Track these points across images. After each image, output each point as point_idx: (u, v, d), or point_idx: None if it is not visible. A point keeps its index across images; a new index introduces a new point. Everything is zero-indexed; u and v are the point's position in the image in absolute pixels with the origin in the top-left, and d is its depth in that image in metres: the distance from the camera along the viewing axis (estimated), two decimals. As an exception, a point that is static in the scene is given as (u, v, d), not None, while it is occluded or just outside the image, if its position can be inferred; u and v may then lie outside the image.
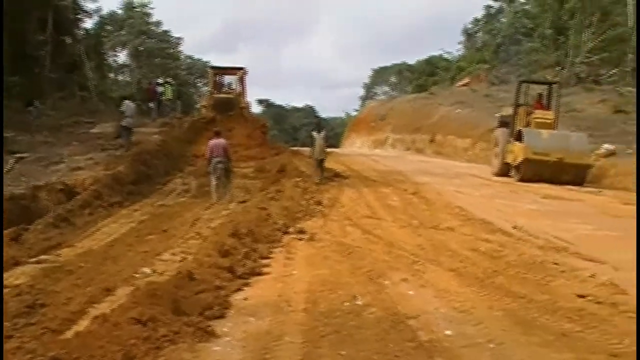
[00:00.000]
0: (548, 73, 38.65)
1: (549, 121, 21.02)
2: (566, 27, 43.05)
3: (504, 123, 22.84)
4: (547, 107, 22.15)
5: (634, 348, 4.93)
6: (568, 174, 19.28)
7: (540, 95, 22.83)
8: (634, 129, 26.60)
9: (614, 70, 37.56)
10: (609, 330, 5.33)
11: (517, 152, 20.13)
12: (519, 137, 20.41)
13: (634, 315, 5.77)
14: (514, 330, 5.33)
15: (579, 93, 33.07)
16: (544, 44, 46.07)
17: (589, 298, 6.32)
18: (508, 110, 23.08)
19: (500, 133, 22.38)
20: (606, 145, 22.21)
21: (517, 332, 5.28)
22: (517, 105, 21.98)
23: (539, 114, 21.25)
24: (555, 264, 7.88)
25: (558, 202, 15.25)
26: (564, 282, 6.97)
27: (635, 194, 18.25)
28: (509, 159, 20.93)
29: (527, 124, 21.10)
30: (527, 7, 53.39)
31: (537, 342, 5.04)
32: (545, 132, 20.19)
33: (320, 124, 21.55)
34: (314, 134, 18.33)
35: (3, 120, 19.63)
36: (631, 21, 35.38)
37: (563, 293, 6.53)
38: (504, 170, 21.34)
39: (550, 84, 24.62)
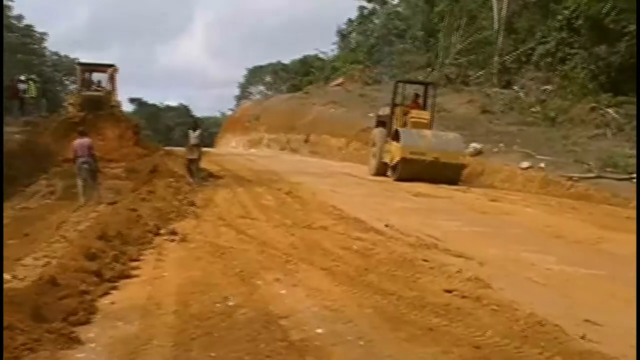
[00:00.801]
0: (419, 74, 39.69)
1: (425, 121, 21.54)
2: (436, 30, 44.43)
3: (381, 123, 23.18)
4: (423, 107, 22.70)
5: (497, 339, 5.10)
6: (444, 173, 19.75)
7: (416, 95, 23.27)
8: (500, 128, 27.73)
9: (480, 72, 38.93)
10: (472, 324, 5.49)
11: (394, 152, 20.45)
12: (395, 136, 20.69)
13: (497, 308, 5.98)
14: (383, 327, 5.40)
15: (449, 93, 34.08)
16: (415, 46, 47.36)
17: (455, 293, 6.50)
18: (385, 110, 23.32)
19: (378, 133, 22.69)
20: (474, 144, 23.03)
21: (386, 329, 5.36)
22: (394, 105, 22.31)
23: (415, 113, 21.72)
24: (425, 260, 8.07)
25: (428, 199, 15.67)
26: (432, 278, 7.14)
27: (502, 191, 19.02)
28: (387, 159, 21.27)
29: (404, 124, 21.50)
30: (399, 9, 54.71)
31: (405, 337, 5.13)
32: (421, 132, 20.62)
33: (196, 122, 21.29)
34: (190, 132, 18.12)
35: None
36: (496, 25, 36.80)
37: (431, 289, 6.68)
38: (382, 170, 21.67)
39: (426, 84, 25.22)
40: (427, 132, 20.87)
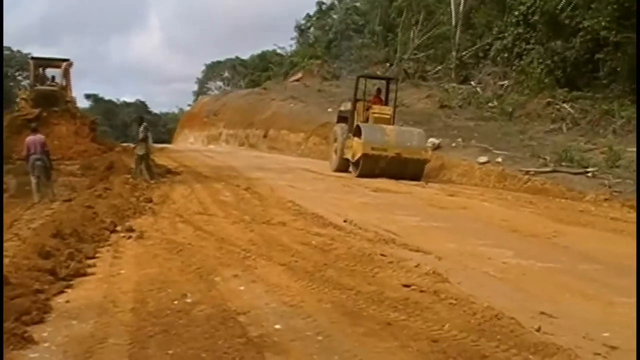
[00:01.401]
0: (378, 69, 39.90)
1: (387, 116, 21.41)
2: (395, 25, 44.68)
3: (342, 118, 22.94)
4: (385, 102, 22.52)
5: (454, 332, 5.14)
6: (406, 169, 19.71)
7: (378, 90, 23.14)
8: (458, 123, 27.96)
9: (439, 67, 39.21)
10: (430, 318, 5.52)
11: (356, 148, 20.30)
12: (357, 132, 20.55)
13: (455, 302, 6.02)
14: (342, 322, 5.41)
15: (407, 88, 34.29)
16: (373, 41, 47.54)
17: (413, 287, 6.53)
18: (347, 106, 23.08)
19: (339, 129, 22.47)
20: (432, 139, 23.18)
21: (345, 324, 5.36)
22: (355, 101, 22.04)
23: (377, 109, 21.59)
24: (383, 255, 8.10)
25: (387, 195, 15.75)
26: (390, 273, 7.17)
27: (459, 185, 19.18)
28: (348, 155, 21.08)
29: (366, 119, 21.32)
30: (357, 4, 54.87)
31: (363, 332, 5.14)
32: (383, 127, 20.51)
33: (141, 117, 21.01)
34: (136, 127, 17.95)
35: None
36: (454, 20, 37.08)
37: (389, 283, 6.71)
38: (344, 166, 21.51)
39: (387, 79, 25.13)
40: (389, 127, 20.77)
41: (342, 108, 24.09)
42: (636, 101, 21.79)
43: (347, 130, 21.77)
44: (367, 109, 21.70)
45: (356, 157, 20.30)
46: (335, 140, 22.68)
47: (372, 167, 19.75)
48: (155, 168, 18.57)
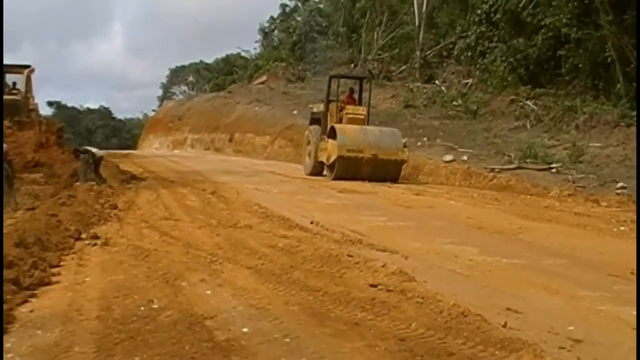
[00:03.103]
0: (342, 70, 40.04)
1: (361, 117, 21.01)
2: (359, 26, 44.93)
3: (315, 120, 22.51)
4: (359, 102, 22.16)
5: (421, 331, 5.16)
6: (383, 170, 19.45)
7: (351, 90, 22.83)
8: (423, 122, 28.19)
9: (403, 67, 39.46)
10: (397, 317, 5.53)
11: (330, 150, 19.89)
12: (331, 134, 20.15)
13: (421, 300, 6.05)
14: (309, 323, 5.40)
15: (372, 89, 34.38)
16: (338, 42, 47.74)
17: (380, 287, 6.54)
18: (319, 107, 22.73)
19: (312, 131, 22.02)
20: (398, 139, 23.18)
21: (312, 325, 5.36)
22: (328, 101, 21.68)
23: (351, 109, 21.13)
24: (350, 256, 8.10)
25: (353, 195, 15.80)
26: (357, 273, 7.18)
27: (425, 184, 19.30)
28: (323, 158, 20.65)
29: (340, 120, 20.83)
30: (321, 5, 55.02)
31: (330, 333, 5.14)
32: (358, 128, 20.12)
33: (77, 150, 20.82)
34: None
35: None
36: (417, 20, 37.35)
37: (356, 284, 6.72)
38: (318, 170, 21.17)
39: (360, 78, 24.89)
40: (364, 128, 20.43)
41: (314, 110, 23.70)
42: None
43: (321, 132, 21.39)
44: (341, 110, 21.21)
45: (331, 160, 19.88)
46: (309, 143, 22.20)
47: (347, 169, 19.42)
48: (121, 175, 18.39)
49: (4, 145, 15.65)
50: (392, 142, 20.03)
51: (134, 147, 55.00)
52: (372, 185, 18.06)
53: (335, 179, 19.47)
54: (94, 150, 17.30)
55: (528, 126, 25.00)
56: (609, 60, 24.08)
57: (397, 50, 40.89)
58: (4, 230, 10.74)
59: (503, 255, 8.56)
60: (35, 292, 6.58)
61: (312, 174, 21.42)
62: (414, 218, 12.38)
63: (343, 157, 19.30)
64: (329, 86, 22.12)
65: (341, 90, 22.63)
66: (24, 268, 7.26)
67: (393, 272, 7.18)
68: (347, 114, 20.97)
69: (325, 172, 20.85)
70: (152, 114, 72.87)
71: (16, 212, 13.62)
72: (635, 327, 5.32)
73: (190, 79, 79.10)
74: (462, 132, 25.44)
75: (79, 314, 5.79)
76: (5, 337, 5.16)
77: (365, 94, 22.76)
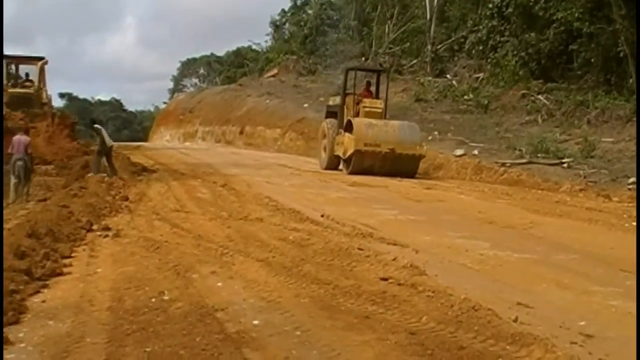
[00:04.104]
0: (353, 63, 39.87)
1: (378, 110, 20.61)
2: (370, 19, 44.75)
3: (331, 113, 22.15)
4: (376, 96, 21.75)
5: (432, 325, 5.16)
6: (400, 165, 19.08)
7: (368, 83, 22.38)
8: (434, 116, 28.10)
9: (414, 61, 39.33)
10: (408, 310, 5.53)
11: (347, 144, 19.55)
12: (348, 127, 19.83)
13: (432, 294, 6.04)
14: (320, 316, 5.40)
15: (383, 82, 34.32)
16: (349, 35, 47.57)
17: (390, 280, 6.54)
18: (336, 100, 22.35)
19: (328, 124, 21.63)
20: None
21: (323, 318, 5.36)
22: (345, 94, 21.34)
23: (368, 102, 20.71)
24: (360, 249, 8.10)
25: (364, 189, 15.79)
26: (368, 267, 7.18)
27: (436, 178, 19.25)
28: (339, 152, 20.31)
29: (356, 114, 20.44)
30: (332, -1, 54.79)
31: (341, 326, 5.14)
32: (375, 122, 19.70)
33: (92, 120, 20.97)
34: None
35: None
36: (429, 14, 37.21)
37: (367, 277, 6.72)
38: (334, 164, 20.85)
39: (378, 71, 24.49)
40: (381, 121, 20.02)
41: (330, 103, 23.34)
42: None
43: (337, 125, 21.02)
44: (358, 103, 20.77)
45: (348, 154, 19.52)
46: (324, 136, 21.80)
47: (364, 163, 19.12)
48: (132, 167, 18.46)
49: (27, 138, 15.82)
50: (410, 137, 19.62)
51: (145, 140, 55.12)
52: (382, 178, 17.99)
53: (351, 173, 19.15)
54: (104, 134, 17.29)
55: (539, 121, 24.90)
56: (621, 54, 23.91)
57: (408, 43, 40.76)
58: (16, 221, 10.81)
59: (514, 250, 8.55)
60: (47, 282, 6.61)
61: (328, 168, 21.10)
62: (425, 212, 12.36)
63: (360, 151, 18.94)
64: (346, 79, 21.84)
65: (354, 83, 22.23)
66: (36, 259, 7.30)
67: (404, 266, 7.17)
68: (364, 107, 20.53)
69: (341, 167, 20.56)
70: (163, 106, 72.93)
71: (28, 203, 13.73)
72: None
73: (202, 71, 79.13)
74: (473, 127, 25.37)
75: (90, 305, 5.82)
76: (17, 327, 5.19)
77: (382, 87, 22.43)
